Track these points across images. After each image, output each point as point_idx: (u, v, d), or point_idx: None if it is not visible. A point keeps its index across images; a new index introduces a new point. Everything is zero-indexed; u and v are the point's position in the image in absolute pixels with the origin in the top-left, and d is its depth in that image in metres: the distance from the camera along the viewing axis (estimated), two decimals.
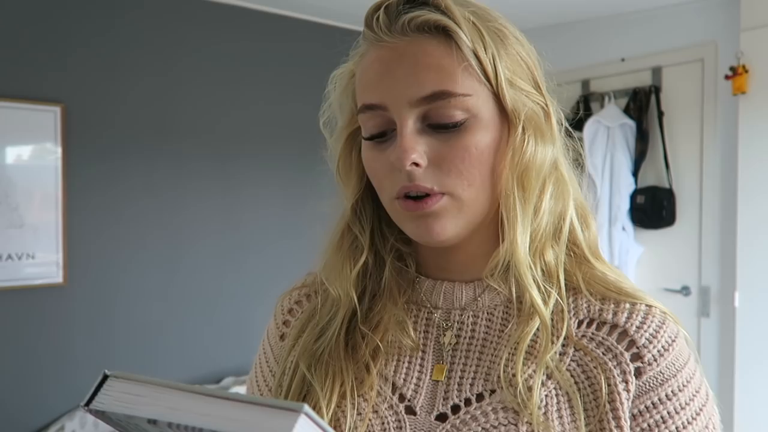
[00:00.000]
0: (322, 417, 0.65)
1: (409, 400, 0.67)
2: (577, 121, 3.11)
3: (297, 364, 0.71)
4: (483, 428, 0.63)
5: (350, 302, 0.70)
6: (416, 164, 0.62)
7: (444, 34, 0.62)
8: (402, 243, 0.73)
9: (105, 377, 0.46)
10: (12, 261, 2.56)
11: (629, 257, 3.07)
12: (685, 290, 3.00)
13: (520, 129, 0.64)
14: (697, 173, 2.95)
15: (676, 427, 0.63)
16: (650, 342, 0.64)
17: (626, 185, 3.05)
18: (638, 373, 0.63)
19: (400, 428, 0.66)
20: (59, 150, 2.63)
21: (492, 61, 0.63)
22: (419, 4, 0.63)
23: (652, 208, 3.00)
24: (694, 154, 2.96)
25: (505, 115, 0.65)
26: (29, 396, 2.59)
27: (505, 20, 0.67)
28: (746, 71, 2.64)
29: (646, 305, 0.67)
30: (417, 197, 0.63)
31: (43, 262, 2.62)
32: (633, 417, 0.63)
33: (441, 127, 0.63)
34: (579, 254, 0.70)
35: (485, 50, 0.63)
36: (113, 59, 2.77)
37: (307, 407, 0.40)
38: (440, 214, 0.64)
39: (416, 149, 0.62)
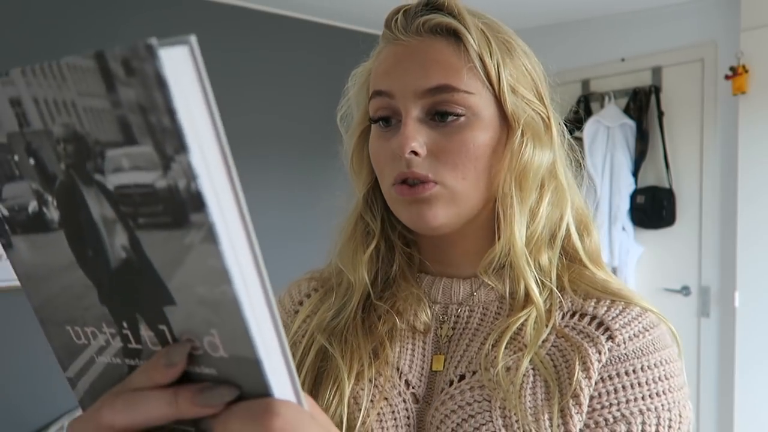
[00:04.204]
0: (343, 392, 0.69)
1: (414, 387, 0.71)
2: (577, 121, 3.12)
3: (313, 336, 0.75)
4: (458, 405, 0.67)
5: (364, 285, 0.75)
6: (415, 153, 0.66)
7: (454, 36, 0.68)
8: (408, 232, 0.78)
9: None
10: None
11: (629, 257, 3.06)
12: (685, 290, 3.00)
13: (518, 133, 0.69)
14: (697, 173, 2.95)
15: (627, 399, 0.65)
16: (624, 327, 0.67)
17: (626, 185, 3.05)
18: (609, 349, 0.67)
19: (408, 417, 0.69)
20: None
21: (496, 66, 0.68)
22: (435, 9, 0.70)
23: (652, 208, 3.00)
24: (694, 154, 2.96)
25: (505, 119, 0.69)
26: (29, 396, 2.59)
27: (515, 35, 0.73)
28: (746, 71, 2.64)
29: (625, 302, 0.70)
30: (412, 184, 0.67)
31: None
32: (594, 384, 0.66)
33: (442, 118, 0.67)
34: (573, 259, 0.74)
35: (491, 56, 0.68)
36: None
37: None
38: (432, 201, 0.68)
39: (416, 138, 0.66)
